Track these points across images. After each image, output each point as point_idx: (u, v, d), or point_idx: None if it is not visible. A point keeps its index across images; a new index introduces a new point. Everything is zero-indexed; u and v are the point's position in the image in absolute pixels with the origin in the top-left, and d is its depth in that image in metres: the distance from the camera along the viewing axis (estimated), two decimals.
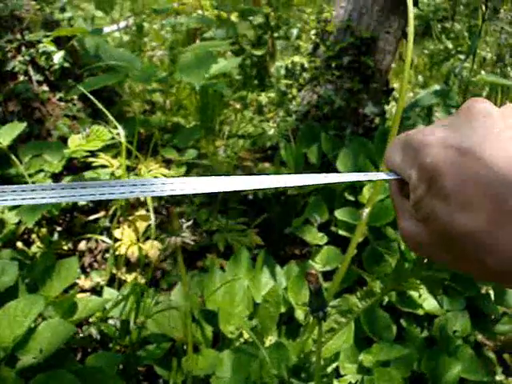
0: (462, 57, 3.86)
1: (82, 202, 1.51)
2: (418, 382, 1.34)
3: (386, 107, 2.05)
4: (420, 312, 1.42)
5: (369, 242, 1.49)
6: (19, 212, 1.21)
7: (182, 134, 1.59)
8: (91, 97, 1.30)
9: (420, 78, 3.76)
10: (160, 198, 1.51)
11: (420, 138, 0.43)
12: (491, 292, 1.60)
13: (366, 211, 1.02)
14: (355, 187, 1.58)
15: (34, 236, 1.45)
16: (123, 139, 1.27)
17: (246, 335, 1.25)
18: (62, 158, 1.36)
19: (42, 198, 0.41)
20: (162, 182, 0.46)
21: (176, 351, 1.22)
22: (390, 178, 0.48)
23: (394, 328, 1.37)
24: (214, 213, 1.52)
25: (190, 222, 0.88)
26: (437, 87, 2.18)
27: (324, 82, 1.84)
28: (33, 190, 0.41)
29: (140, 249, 1.34)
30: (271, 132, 1.79)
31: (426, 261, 0.91)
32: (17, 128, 1.35)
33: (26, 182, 1.33)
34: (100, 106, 1.29)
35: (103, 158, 1.39)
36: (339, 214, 1.51)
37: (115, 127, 1.36)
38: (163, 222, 0.82)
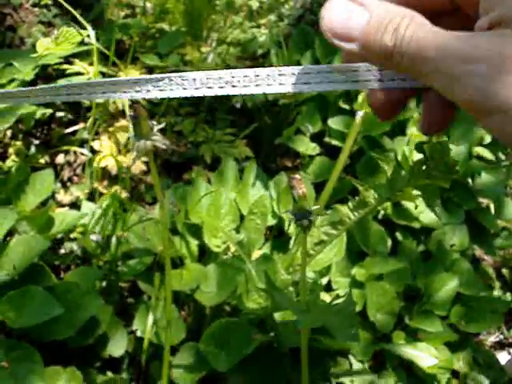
0: None
1: (59, 113, 1.42)
2: (412, 296, 1.30)
3: None
4: (416, 225, 1.36)
5: (364, 152, 1.41)
6: None
7: (165, 39, 1.48)
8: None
9: None
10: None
11: None
12: (491, 205, 1.54)
13: (360, 114, 0.94)
14: (350, 94, 1.49)
15: (10, 150, 1.37)
16: (93, 41, 1.16)
17: (233, 249, 1.19)
18: (34, 66, 1.27)
19: None
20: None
21: (161, 266, 1.17)
22: None
23: (389, 241, 1.32)
24: (200, 123, 1.43)
25: (162, 125, 0.79)
26: None
27: None
28: None
29: (119, 161, 1.26)
30: (262, 38, 1.68)
31: (423, 168, 0.83)
32: None
33: None
34: (65, 4, 1.17)
35: (78, 65, 1.29)
36: (333, 122, 1.42)
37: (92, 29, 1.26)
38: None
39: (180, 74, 0.48)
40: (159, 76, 0.48)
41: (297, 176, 0.77)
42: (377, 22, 0.37)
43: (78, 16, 1.16)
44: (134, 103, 1.32)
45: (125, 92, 0.49)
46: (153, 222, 1.14)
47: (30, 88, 0.49)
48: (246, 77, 0.47)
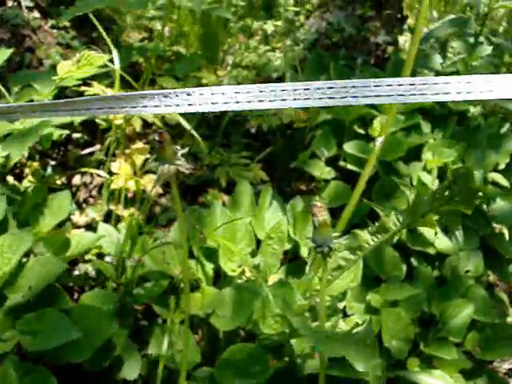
0: None
1: (76, 135, 1.43)
2: (427, 322, 1.29)
3: (400, 37, 1.93)
4: (431, 251, 1.36)
5: (379, 177, 1.41)
6: (5, 145, 1.13)
7: (182, 63, 1.49)
8: (93, 18, 1.20)
9: (435, 13, 3.60)
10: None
11: None
12: (506, 231, 1.53)
13: (380, 140, 0.94)
14: (365, 119, 1.49)
15: (26, 170, 1.38)
16: (117, 65, 1.17)
17: (248, 273, 1.19)
18: (53, 87, 1.28)
19: None
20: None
21: (175, 289, 1.16)
22: None
23: (404, 267, 1.31)
24: (215, 146, 1.44)
25: (185, 150, 0.79)
26: (453, 16, 2.05)
27: (334, 8, 1.72)
28: None
29: (137, 183, 1.27)
30: (277, 62, 1.69)
31: (446, 193, 0.83)
32: (2, 54, 1.26)
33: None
34: (96, 22, 1.18)
35: (97, 87, 1.30)
36: (348, 146, 1.42)
37: (110, 52, 1.27)
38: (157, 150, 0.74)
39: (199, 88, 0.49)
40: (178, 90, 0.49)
41: (317, 203, 0.77)
42: None
43: (105, 37, 1.17)
44: (158, 127, 1.33)
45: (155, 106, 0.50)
46: (171, 246, 1.14)
47: (53, 101, 0.49)
48: (263, 92, 0.48)
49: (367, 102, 0.47)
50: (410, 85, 0.47)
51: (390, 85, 0.47)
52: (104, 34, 1.20)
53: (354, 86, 0.47)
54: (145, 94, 0.50)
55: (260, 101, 0.48)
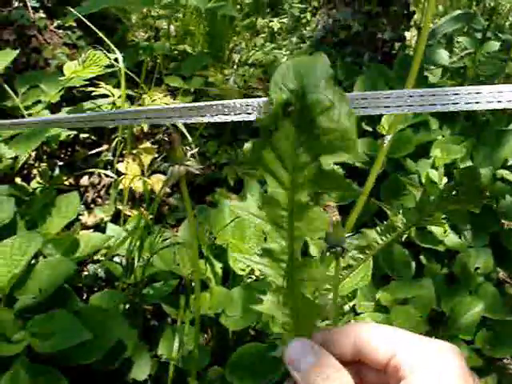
0: None
1: (83, 135, 1.43)
2: (437, 320, 1.29)
3: (407, 33, 1.92)
4: (441, 248, 1.35)
5: (387, 174, 1.40)
6: (12, 144, 1.13)
7: (188, 62, 1.49)
8: (86, 21, 1.20)
9: (440, 7, 3.58)
10: (166, 129, 1.43)
11: None
12: None
13: (388, 138, 0.93)
14: (373, 116, 1.48)
15: (34, 171, 1.38)
16: (121, 64, 1.17)
17: (257, 272, 1.19)
18: (60, 88, 1.27)
19: None
20: None
21: (184, 289, 1.16)
22: None
23: (413, 265, 1.31)
24: (223, 145, 1.43)
25: (194, 150, 0.79)
26: (460, 12, 2.04)
27: (340, 4, 1.71)
28: None
29: (145, 183, 1.26)
30: (284, 60, 1.68)
31: (453, 193, 0.82)
32: (8, 56, 1.26)
33: (23, 115, 1.25)
34: (93, 27, 1.18)
35: (103, 87, 1.29)
36: None
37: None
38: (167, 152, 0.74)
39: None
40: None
41: (330, 203, 0.77)
42: None
43: (106, 39, 1.16)
44: (167, 128, 1.33)
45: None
46: (181, 246, 1.14)
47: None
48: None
49: (377, 112, 0.49)
50: (420, 96, 0.48)
51: (401, 97, 0.48)
52: (101, 34, 1.19)
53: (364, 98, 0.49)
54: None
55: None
